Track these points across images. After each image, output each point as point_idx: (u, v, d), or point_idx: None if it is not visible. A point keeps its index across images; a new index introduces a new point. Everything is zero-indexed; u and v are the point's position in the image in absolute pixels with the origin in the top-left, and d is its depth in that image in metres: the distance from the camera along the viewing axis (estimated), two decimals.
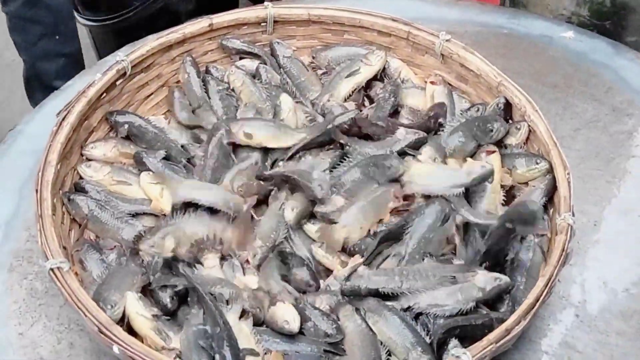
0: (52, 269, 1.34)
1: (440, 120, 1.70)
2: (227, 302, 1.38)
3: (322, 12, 1.89)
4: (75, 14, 2.75)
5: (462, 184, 1.53)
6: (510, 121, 1.69)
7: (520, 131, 1.65)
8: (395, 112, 1.79)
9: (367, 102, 1.85)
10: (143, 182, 1.63)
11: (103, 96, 1.70)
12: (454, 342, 1.32)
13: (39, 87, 2.75)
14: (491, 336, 1.26)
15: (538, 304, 1.30)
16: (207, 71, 1.87)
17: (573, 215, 1.42)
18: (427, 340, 1.35)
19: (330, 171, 1.61)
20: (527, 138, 1.65)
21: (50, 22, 2.61)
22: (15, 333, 1.45)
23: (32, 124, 1.81)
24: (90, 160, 1.67)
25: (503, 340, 1.26)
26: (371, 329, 1.38)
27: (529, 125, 1.63)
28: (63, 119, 1.58)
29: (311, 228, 1.56)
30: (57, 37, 2.65)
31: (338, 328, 1.39)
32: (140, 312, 1.38)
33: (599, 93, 1.91)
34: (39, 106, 1.85)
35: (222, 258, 1.52)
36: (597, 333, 1.44)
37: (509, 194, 1.60)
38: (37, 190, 1.47)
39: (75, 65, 2.74)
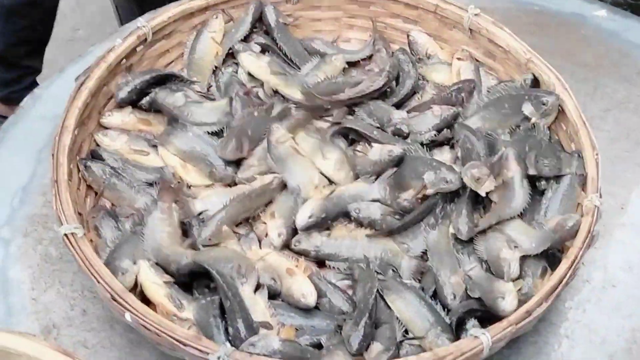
0: (66, 235, 1.33)
1: (464, 94, 1.67)
2: (243, 276, 1.37)
3: None
4: None
5: None
6: None
7: (551, 112, 1.60)
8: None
9: None
10: (162, 151, 1.62)
11: (123, 62, 1.68)
12: (472, 321, 1.30)
13: (2, 65, 2.80)
14: (511, 317, 1.23)
15: (561, 286, 1.27)
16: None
17: (600, 197, 1.39)
18: (447, 319, 1.33)
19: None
20: (556, 117, 1.61)
21: (38, 18, 2.67)
22: (29, 298, 1.44)
23: (51, 89, 1.80)
24: (107, 128, 1.66)
25: (523, 322, 1.23)
26: (389, 307, 1.36)
27: (559, 106, 1.58)
28: (82, 84, 1.57)
29: None
30: (40, 28, 2.73)
31: (353, 305, 1.37)
32: (152, 280, 1.37)
33: (630, 74, 1.87)
34: (59, 70, 1.84)
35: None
36: (619, 318, 1.41)
37: None
38: (53, 155, 1.45)
39: (43, 46, 2.84)
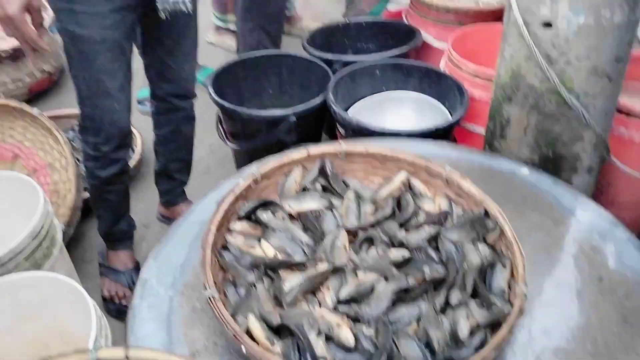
0: (209, 297, 1.42)
1: (442, 218, 1.76)
2: (311, 326, 1.43)
3: (374, 149, 1.97)
4: (226, 140, 2.90)
5: None
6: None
7: (495, 232, 1.69)
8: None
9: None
10: (263, 244, 1.72)
11: (242, 193, 1.80)
12: None
13: (162, 178, 2.78)
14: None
15: (504, 341, 1.32)
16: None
17: (526, 285, 1.45)
18: None
19: None
20: (499, 235, 1.68)
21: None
22: (183, 334, 1.53)
23: (199, 206, 1.93)
24: (232, 231, 1.76)
25: None
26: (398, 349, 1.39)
27: (500, 228, 1.66)
28: (219, 206, 1.70)
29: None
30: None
31: (375, 346, 1.41)
32: (257, 327, 1.44)
33: (544, 208, 1.93)
34: (204, 195, 1.97)
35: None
36: None
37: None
38: (202, 247, 1.56)
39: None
